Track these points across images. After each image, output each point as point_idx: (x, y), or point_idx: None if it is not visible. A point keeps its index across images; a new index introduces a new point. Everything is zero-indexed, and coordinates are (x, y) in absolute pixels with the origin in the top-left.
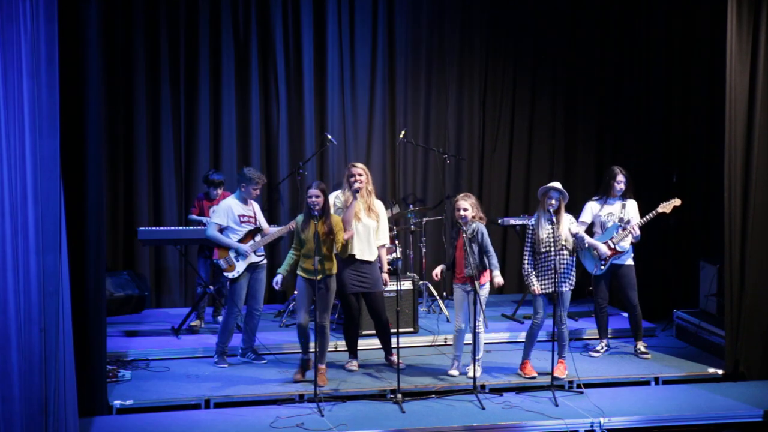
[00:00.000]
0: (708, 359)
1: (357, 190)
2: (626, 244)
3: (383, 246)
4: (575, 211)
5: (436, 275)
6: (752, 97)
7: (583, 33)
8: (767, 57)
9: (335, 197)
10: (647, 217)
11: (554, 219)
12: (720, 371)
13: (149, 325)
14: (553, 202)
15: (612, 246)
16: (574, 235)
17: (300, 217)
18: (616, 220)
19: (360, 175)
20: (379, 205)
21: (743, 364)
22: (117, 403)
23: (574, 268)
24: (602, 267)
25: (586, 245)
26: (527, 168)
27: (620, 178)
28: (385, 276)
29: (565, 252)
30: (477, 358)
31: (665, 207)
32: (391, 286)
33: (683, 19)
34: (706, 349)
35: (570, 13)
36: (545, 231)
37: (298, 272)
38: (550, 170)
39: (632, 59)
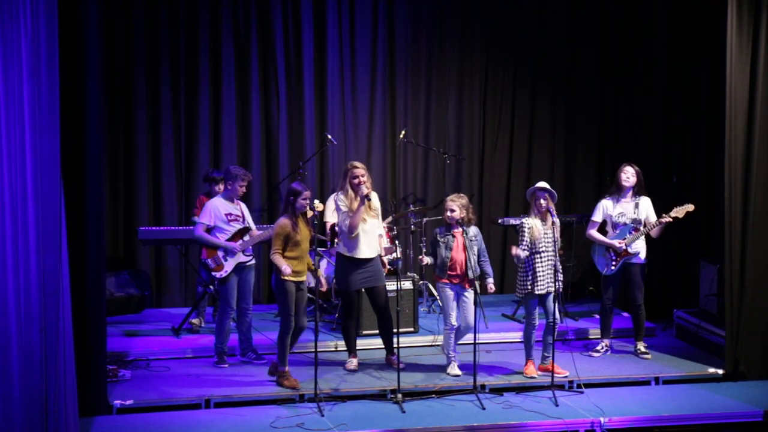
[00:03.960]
0: (708, 359)
1: (368, 197)
2: (639, 245)
3: (380, 236)
4: (580, 209)
5: (421, 259)
6: (752, 97)
7: (583, 33)
8: (767, 57)
9: (337, 200)
10: (661, 222)
11: (548, 219)
12: (720, 371)
13: (149, 324)
14: (542, 202)
15: (624, 247)
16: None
17: (285, 221)
18: (628, 220)
19: (362, 176)
20: (375, 199)
21: (743, 364)
22: (117, 402)
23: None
24: (613, 267)
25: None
26: (527, 168)
27: (627, 169)
28: (385, 260)
29: (553, 253)
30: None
31: (678, 212)
32: (392, 285)
33: (683, 19)
34: (706, 348)
35: (570, 14)
36: (539, 231)
37: (285, 277)
38: (550, 170)
39: (632, 60)
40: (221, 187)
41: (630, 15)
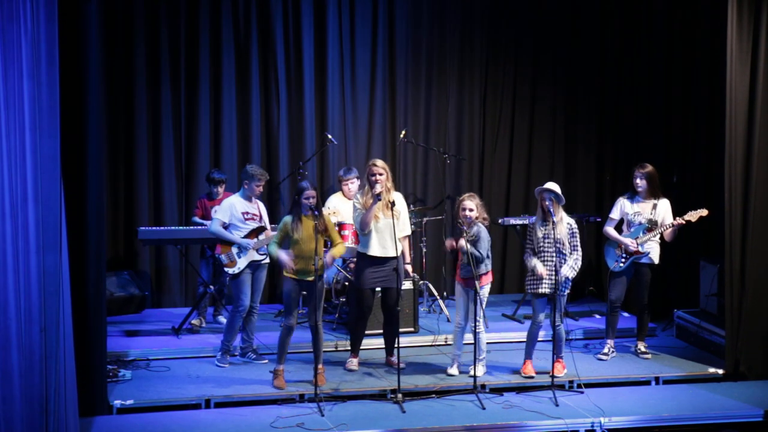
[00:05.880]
0: (708, 359)
1: (379, 196)
2: (652, 246)
3: (405, 237)
4: (580, 209)
5: (451, 245)
6: (752, 97)
7: (584, 33)
8: (767, 57)
9: (355, 199)
10: (675, 224)
11: (550, 220)
12: (720, 371)
13: (150, 324)
14: (546, 203)
15: (636, 246)
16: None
17: (288, 218)
18: (644, 220)
19: (380, 174)
20: (397, 199)
21: (743, 364)
22: (117, 402)
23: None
24: (621, 264)
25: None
26: (527, 168)
27: (636, 174)
28: (408, 267)
29: (561, 254)
30: (480, 357)
31: (692, 216)
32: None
33: (684, 18)
34: (707, 348)
35: (570, 14)
36: (541, 231)
37: (285, 273)
38: (550, 170)
39: (632, 59)
40: (221, 189)
41: (630, 14)
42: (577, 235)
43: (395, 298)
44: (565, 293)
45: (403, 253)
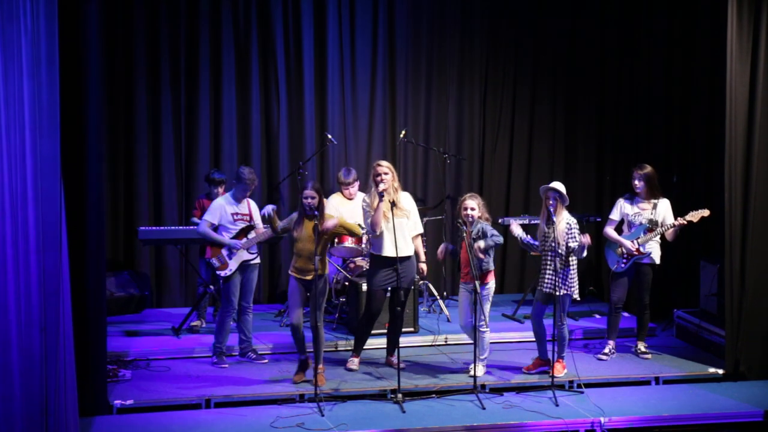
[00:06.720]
0: (708, 359)
1: (382, 193)
2: (652, 246)
3: (418, 236)
4: (580, 209)
5: (440, 253)
6: (752, 97)
7: (584, 33)
8: (767, 57)
9: (363, 202)
10: (676, 225)
11: (552, 220)
12: (720, 371)
13: (150, 324)
14: (550, 202)
15: (636, 246)
16: (570, 248)
17: (295, 214)
18: (644, 220)
19: (386, 174)
20: (406, 199)
21: (743, 364)
22: (117, 402)
23: (569, 276)
24: (623, 265)
25: (584, 255)
26: (527, 168)
27: (634, 175)
28: (423, 266)
29: (559, 256)
30: (481, 357)
31: (693, 216)
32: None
33: (684, 19)
34: (707, 348)
35: (570, 14)
36: (543, 231)
37: (290, 272)
38: (550, 170)
39: (632, 59)
40: (221, 190)
41: (630, 14)
42: (576, 234)
43: (402, 299)
44: (567, 293)
45: (416, 251)
